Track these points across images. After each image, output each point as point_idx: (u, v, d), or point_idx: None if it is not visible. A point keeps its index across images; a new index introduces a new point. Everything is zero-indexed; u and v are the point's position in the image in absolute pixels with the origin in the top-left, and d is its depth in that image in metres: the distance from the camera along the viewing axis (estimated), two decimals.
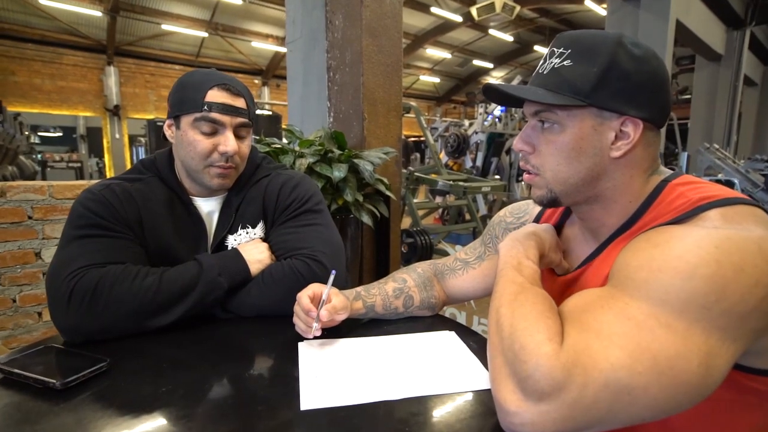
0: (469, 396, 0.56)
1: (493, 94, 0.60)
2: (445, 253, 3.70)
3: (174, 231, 0.84)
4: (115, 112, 11.27)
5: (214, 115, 0.80)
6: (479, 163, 6.07)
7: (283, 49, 12.77)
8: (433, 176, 4.08)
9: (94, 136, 11.75)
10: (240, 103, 0.83)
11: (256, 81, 13.63)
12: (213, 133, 0.81)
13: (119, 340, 0.72)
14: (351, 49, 1.93)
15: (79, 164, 10.03)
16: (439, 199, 5.76)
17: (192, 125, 0.80)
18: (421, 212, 4.40)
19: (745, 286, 0.42)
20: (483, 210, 5.16)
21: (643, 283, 0.45)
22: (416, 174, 3.82)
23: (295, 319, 0.71)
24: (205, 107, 0.79)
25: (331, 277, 0.72)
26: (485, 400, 0.55)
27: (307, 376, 0.60)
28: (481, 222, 4.24)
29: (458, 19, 10.97)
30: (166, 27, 10.72)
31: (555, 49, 0.56)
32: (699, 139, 7.75)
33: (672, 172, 0.58)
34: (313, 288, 0.71)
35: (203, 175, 0.83)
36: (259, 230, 0.90)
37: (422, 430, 0.49)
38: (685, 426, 0.52)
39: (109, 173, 11.63)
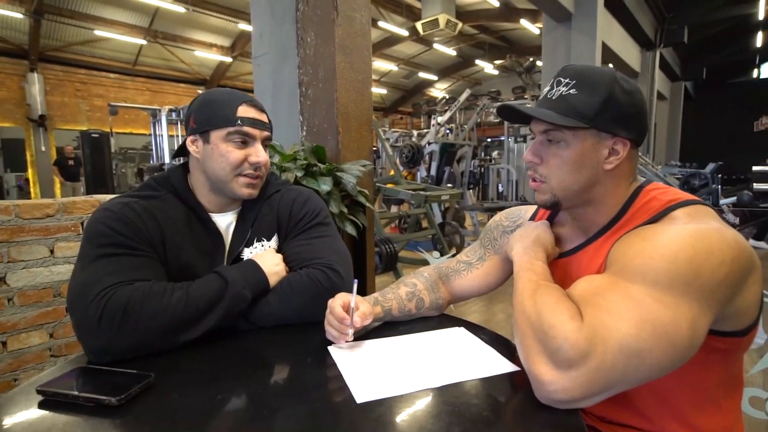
0: (498, 378, 0.65)
1: (507, 112, 0.71)
2: (410, 261, 3.81)
3: (193, 247, 0.86)
4: (41, 122, 10.32)
5: (247, 128, 0.85)
6: (433, 172, 6.30)
7: (227, 59, 12.44)
8: (390, 186, 4.20)
9: (13, 149, 10.62)
10: (264, 118, 0.90)
11: (200, 91, 13.13)
12: (243, 146, 0.87)
13: (146, 357, 0.73)
14: (324, 65, 2.00)
15: None
16: (394, 208, 5.90)
17: (225, 138, 0.85)
18: (381, 221, 4.49)
19: (714, 266, 0.54)
20: (439, 217, 5.36)
21: (638, 269, 0.57)
22: (378, 184, 3.92)
23: (328, 327, 0.76)
24: (239, 122, 0.85)
25: (355, 286, 0.78)
26: (513, 379, 0.65)
27: (349, 374, 0.66)
28: (440, 229, 4.41)
29: (404, 33, 11.33)
30: (100, 33, 10.05)
31: (562, 79, 0.67)
32: None
33: (644, 179, 0.72)
34: (342, 297, 0.77)
35: (233, 185, 0.87)
36: (273, 243, 0.94)
37: (469, 410, 0.57)
38: (667, 383, 0.64)
39: (34, 189, 10.61)
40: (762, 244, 5.29)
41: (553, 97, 0.67)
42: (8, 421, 0.56)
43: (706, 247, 0.55)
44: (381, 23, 10.67)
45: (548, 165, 0.69)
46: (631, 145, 0.67)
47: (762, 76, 13.94)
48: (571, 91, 0.66)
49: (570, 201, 0.70)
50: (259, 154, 0.87)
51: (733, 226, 5.85)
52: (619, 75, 0.67)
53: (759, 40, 11.56)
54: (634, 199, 0.69)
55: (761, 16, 9.60)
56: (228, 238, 0.91)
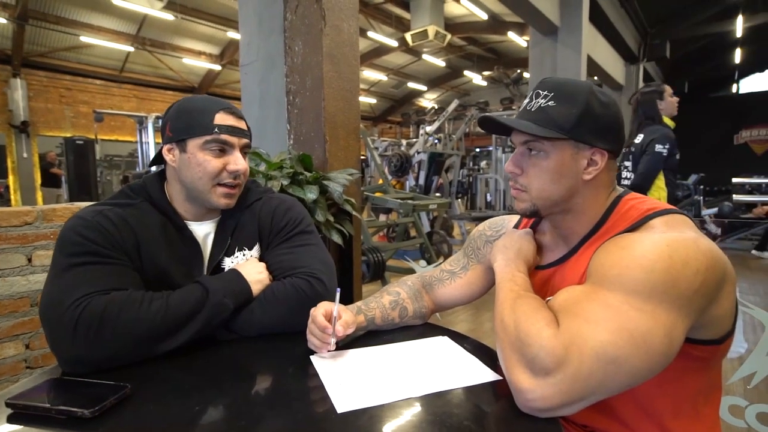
0: (480, 387, 0.65)
1: (488, 124, 0.72)
2: (398, 269, 3.81)
3: (169, 256, 0.85)
4: (23, 128, 10.11)
5: (225, 136, 0.84)
6: (421, 181, 6.33)
7: (217, 67, 12.40)
8: (378, 194, 4.21)
9: None
10: (243, 125, 0.88)
11: None
12: (221, 154, 0.85)
13: (123, 368, 0.71)
14: (311, 74, 2.00)
15: None
16: (382, 217, 5.91)
17: (202, 147, 0.84)
18: (369, 230, 4.48)
19: (690, 275, 0.56)
20: (427, 226, 5.37)
21: (616, 278, 0.58)
22: (366, 193, 3.92)
23: (310, 337, 0.75)
24: (216, 129, 0.83)
25: (338, 295, 0.77)
26: (495, 388, 0.64)
27: (331, 383, 0.65)
28: (428, 238, 4.42)
29: (394, 44, 11.44)
30: (86, 39, 9.94)
31: (540, 92, 0.69)
32: None
33: (623, 189, 0.73)
34: (324, 306, 0.76)
35: (210, 195, 0.86)
36: (255, 252, 0.93)
37: (451, 419, 0.56)
38: (646, 390, 0.65)
39: (15, 196, 10.37)
40: (765, 254, 5.36)
41: (533, 109, 0.69)
42: None
43: (682, 257, 0.56)
44: (370, 33, 10.77)
45: (528, 175, 0.71)
46: (609, 156, 0.68)
47: (741, 91, 14.38)
48: (549, 103, 0.67)
49: (548, 210, 0.72)
50: (237, 162, 0.86)
51: (715, 236, 5.99)
52: (596, 88, 0.69)
53: (737, 56, 11.95)
54: (613, 209, 0.70)
55: (739, 34, 9.94)
56: (207, 248, 0.90)
